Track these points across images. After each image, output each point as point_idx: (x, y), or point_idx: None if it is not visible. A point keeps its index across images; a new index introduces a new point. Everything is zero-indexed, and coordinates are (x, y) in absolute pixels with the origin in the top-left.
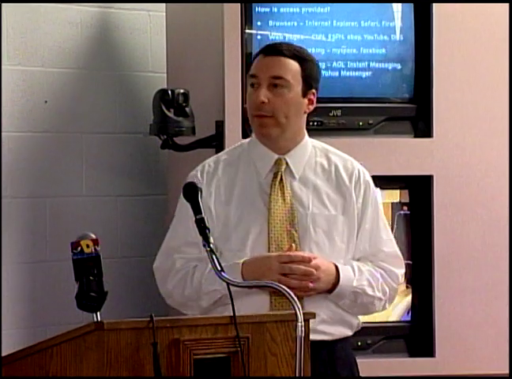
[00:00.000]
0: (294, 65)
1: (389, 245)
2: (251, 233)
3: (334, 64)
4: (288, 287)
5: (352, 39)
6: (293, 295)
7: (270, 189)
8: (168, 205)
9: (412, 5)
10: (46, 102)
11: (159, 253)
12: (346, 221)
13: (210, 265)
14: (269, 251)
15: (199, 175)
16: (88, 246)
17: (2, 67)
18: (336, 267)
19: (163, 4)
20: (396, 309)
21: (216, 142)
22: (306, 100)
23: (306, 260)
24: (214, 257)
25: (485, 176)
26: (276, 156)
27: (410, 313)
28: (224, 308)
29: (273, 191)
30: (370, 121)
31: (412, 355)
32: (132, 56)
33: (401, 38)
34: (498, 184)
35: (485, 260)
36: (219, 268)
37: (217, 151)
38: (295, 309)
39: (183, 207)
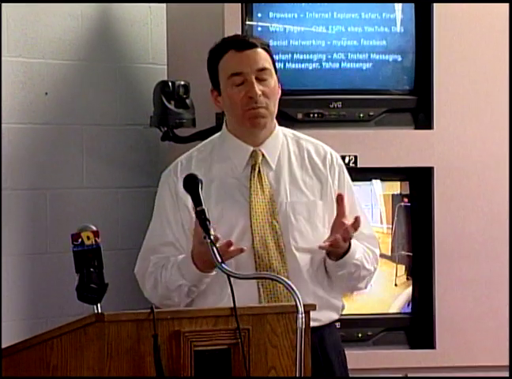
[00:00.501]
0: (266, 54)
1: (367, 226)
2: (236, 228)
3: (335, 56)
4: None
5: (353, 30)
6: (293, 287)
7: (250, 182)
8: None
9: None
10: (46, 94)
11: (138, 257)
12: (325, 205)
13: (172, 260)
14: (253, 244)
15: (172, 174)
16: (88, 238)
17: (3, 59)
18: None
19: None
20: (396, 301)
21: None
22: (278, 85)
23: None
24: (214, 248)
25: (485, 168)
26: (251, 148)
27: (410, 305)
28: (200, 299)
29: (253, 184)
30: (371, 113)
31: (412, 347)
32: (132, 48)
33: (402, 30)
34: (499, 176)
35: (485, 252)
36: (219, 260)
37: None
38: (295, 301)
39: (160, 207)
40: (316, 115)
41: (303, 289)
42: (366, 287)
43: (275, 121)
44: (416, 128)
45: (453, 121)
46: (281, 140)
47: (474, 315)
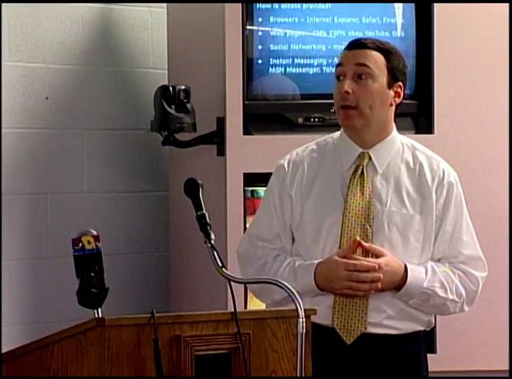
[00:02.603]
0: (378, 56)
1: (471, 247)
2: (326, 223)
3: (335, 60)
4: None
5: (353, 35)
6: (294, 292)
7: (349, 182)
8: (169, 201)
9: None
10: (47, 98)
11: (243, 238)
12: (423, 221)
13: (287, 260)
14: (340, 243)
15: (285, 164)
16: (89, 243)
17: (3, 63)
18: (406, 267)
19: None
20: None
21: (216, 138)
22: (391, 92)
23: (371, 269)
24: (215, 253)
25: (486, 172)
26: (360, 150)
27: None
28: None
29: (352, 184)
30: None
31: None
32: (133, 52)
33: (402, 34)
34: (499, 180)
35: (485, 257)
36: (220, 265)
37: (218, 148)
38: (296, 306)
39: (269, 195)
40: (317, 120)
41: (382, 299)
42: (458, 311)
43: (393, 126)
44: (416, 132)
45: (454, 126)
46: (396, 148)
47: (474, 320)
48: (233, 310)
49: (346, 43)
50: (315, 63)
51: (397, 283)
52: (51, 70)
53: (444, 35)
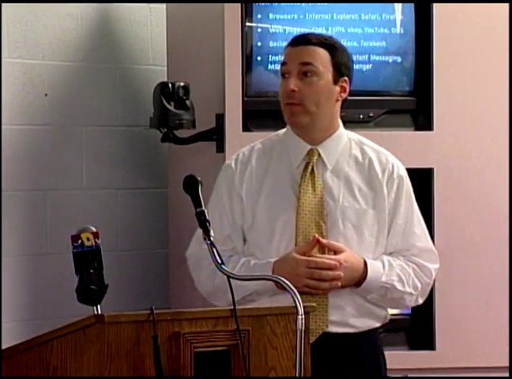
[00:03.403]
0: (323, 52)
1: (423, 240)
2: (279, 222)
3: None
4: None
5: (353, 31)
6: (294, 289)
7: (300, 180)
8: (169, 198)
9: None
10: (46, 95)
11: (192, 241)
12: (376, 215)
13: (242, 260)
14: (296, 242)
15: (233, 164)
16: (88, 239)
17: (3, 60)
18: (365, 262)
19: None
20: None
21: (216, 135)
22: (337, 88)
23: (332, 267)
24: (214, 250)
25: (485, 168)
26: (308, 147)
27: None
28: (252, 304)
29: (303, 181)
30: (371, 114)
31: (412, 348)
32: (132, 49)
33: (402, 31)
34: (499, 176)
35: (485, 253)
36: (219, 261)
37: (217, 145)
38: (295, 303)
39: (217, 196)
40: None
41: (342, 296)
42: (414, 304)
43: (339, 122)
44: (415, 129)
45: (453, 123)
46: (344, 143)
47: (474, 316)
48: (232, 307)
49: (345, 39)
50: None
51: (357, 279)
52: (50, 67)
53: (443, 32)
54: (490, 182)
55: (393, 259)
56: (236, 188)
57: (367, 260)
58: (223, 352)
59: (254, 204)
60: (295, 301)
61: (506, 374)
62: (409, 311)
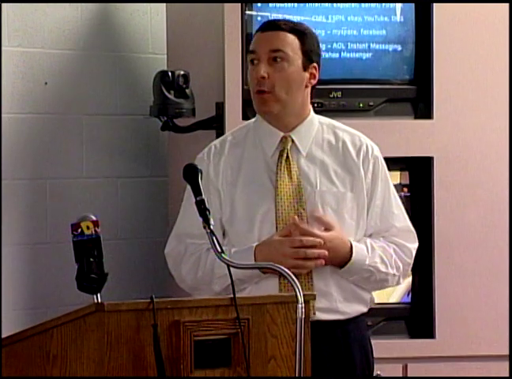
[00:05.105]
0: (292, 38)
1: (401, 219)
2: (258, 212)
3: (334, 45)
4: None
5: (353, 20)
6: (293, 277)
7: (276, 168)
8: (169, 187)
9: None
10: (46, 83)
11: (170, 238)
12: (355, 197)
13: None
14: (276, 230)
15: (205, 157)
16: (88, 228)
17: (3, 49)
18: (351, 245)
19: None
20: (396, 291)
21: (216, 124)
22: (307, 74)
23: (317, 244)
24: (214, 238)
25: (485, 157)
26: (281, 134)
27: (410, 295)
28: (239, 293)
29: (279, 169)
30: (371, 103)
31: (412, 337)
32: (132, 37)
33: (402, 19)
34: (498, 165)
35: (485, 242)
36: (219, 250)
37: (217, 133)
38: (295, 291)
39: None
40: (316, 105)
41: (327, 280)
42: (395, 285)
43: (310, 108)
44: (415, 118)
45: (453, 111)
46: (316, 128)
47: (473, 305)
48: (232, 296)
49: (345, 28)
50: None
51: (340, 260)
52: (50, 55)
53: (443, 21)
54: (489, 171)
55: (374, 241)
56: (212, 181)
57: (353, 243)
58: (223, 341)
59: (231, 196)
60: (295, 289)
61: (506, 363)
62: (409, 300)
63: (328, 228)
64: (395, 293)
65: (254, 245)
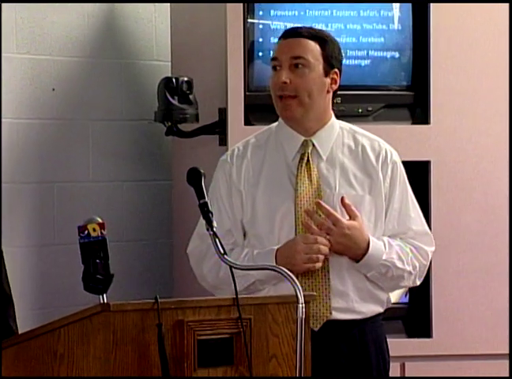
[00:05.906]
0: (314, 45)
1: (419, 223)
2: (278, 214)
3: None
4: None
5: (352, 28)
6: (294, 278)
7: (297, 171)
8: (172, 190)
9: None
10: (53, 89)
11: (192, 237)
12: (373, 201)
13: (245, 251)
14: (296, 232)
15: (228, 159)
16: (94, 230)
17: (11, 56)
18: (369, 240)
19: None
20: (394, 292)
21: (218, 129)
22: (328, 80)
23: (324, 228)
24: (217, 240)
25: (482, 162)
26: (302, 138)
27: (408, 295)
28: (257, 294)
29: (300, 172)
30: (369, 108)
31: (409, 336)
32: (137, 45)
33: (399, 27)
34: (495, 169)
35: (481, 244)
36: (222, 252)
37: (220, 138)
38: (295, 291)
39: (215, 192)
40: None
41: (344, 280)
42: (412, 285)
43: (331, 112)
44: (413, 123)
45: (450, 116)
46: (336, 133)
47: (470, 304)
48: (234, 296)
49: (344, 36)
50: None
51: (357, 251)
52: (58, 62)
53: (440, 28)
54: (486, 175)
55: (391, 239)
56: (234, 183)
57: (371, 238)
58: (225, 340)
59: (252, 197)
60: (295, 290)
61: (502, 361)
62: (407, 300)
63: (351, 218)
64: (393, 293)
65: (276, 248)
